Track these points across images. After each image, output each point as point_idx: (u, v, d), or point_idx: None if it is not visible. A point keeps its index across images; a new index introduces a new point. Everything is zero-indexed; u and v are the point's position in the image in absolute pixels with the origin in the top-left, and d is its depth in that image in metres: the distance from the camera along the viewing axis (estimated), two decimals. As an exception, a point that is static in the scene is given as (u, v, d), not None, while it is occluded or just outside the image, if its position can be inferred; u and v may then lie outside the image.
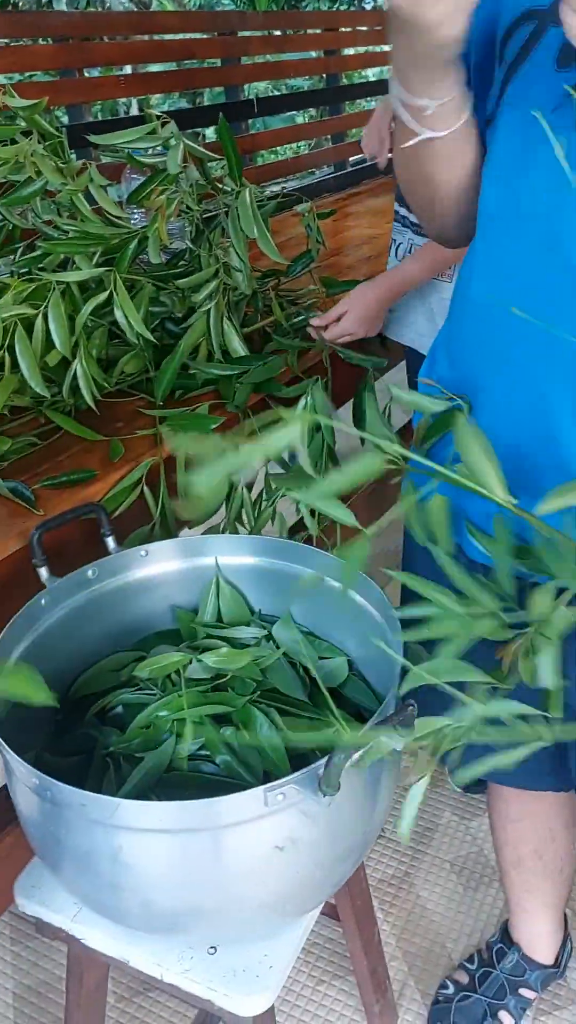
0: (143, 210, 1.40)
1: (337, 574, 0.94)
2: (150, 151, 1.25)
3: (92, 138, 1.25)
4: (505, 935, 1.27)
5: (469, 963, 1.28)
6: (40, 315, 1.11)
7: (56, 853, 0.75)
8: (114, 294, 1.16)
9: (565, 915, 1.27)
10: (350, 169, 3.24)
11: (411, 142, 0.68)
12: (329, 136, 3.10)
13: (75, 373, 1.14)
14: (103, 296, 1.16)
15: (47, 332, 1.10)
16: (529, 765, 0.90)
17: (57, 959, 1.35)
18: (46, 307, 1.11)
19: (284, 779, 0.66)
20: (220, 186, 1.38)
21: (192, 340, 1.21)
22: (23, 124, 1.19)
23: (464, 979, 1.27)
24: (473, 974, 1.26)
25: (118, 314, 1.17)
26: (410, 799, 0.66)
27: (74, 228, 1.23)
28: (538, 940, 1.24)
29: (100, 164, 1.40)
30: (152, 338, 1.19)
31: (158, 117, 1.28)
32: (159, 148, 1.31)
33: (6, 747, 0.71)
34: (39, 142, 1.24)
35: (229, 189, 1.36)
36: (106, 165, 1.65)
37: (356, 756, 0.65)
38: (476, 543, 0.77)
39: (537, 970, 1.24)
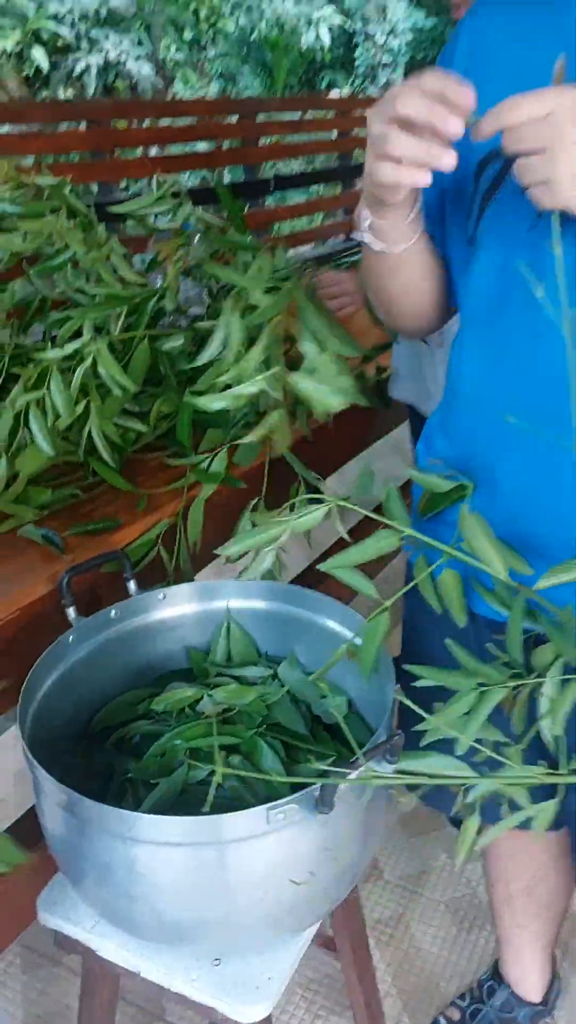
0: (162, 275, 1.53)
1: (340, 618, 1.03)
2: (170, 219, 1.38)
3: (112, 208, 1.38)
4: (496, 973, 1.33)
5: (461, 1000, 1.33)
6: (45, 389, 1.22)
7: (79, 866, 0.83)
8: (97, 358, 1.25)
9: (554, 955, 1.33)
10: (356, 242, 3.42)
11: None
12: (341, 209, 3.30)
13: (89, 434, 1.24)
14: (88, 362, 1.25)
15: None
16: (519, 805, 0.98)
17: (65, 988, 1.41)
18: (49, 381, 1.22)
19: (284, 799, 0.74)
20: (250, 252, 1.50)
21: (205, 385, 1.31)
22: (55, 201, 1.32)
23: (456, 1016, 1.32)
24: (464, 1011, 1.31)
25: (101, 371, 1.26)
26: (464, 835, 0.75)
27: (100, 293, 1.35)
28: (527, 978, 1.29)
29: (126, 237, 1.53)
30: (131, 387, 1.26)
31: (174, 192, 1.41)
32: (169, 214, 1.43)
33: (38, 766, 0.80)
34: (68, 217, 1.38)
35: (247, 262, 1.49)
36: (132, 237, 1.79)
37: (352, 775, 0.74)
38: (487, 602, 0.84)
39: (526, 1007, 1.29)
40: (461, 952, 1.46)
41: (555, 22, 0.79)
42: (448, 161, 0.66)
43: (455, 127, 0.64)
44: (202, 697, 1.00)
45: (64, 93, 6.10)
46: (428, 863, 1.64)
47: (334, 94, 11.49)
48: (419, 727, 0.74)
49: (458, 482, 0.88)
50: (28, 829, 1.09)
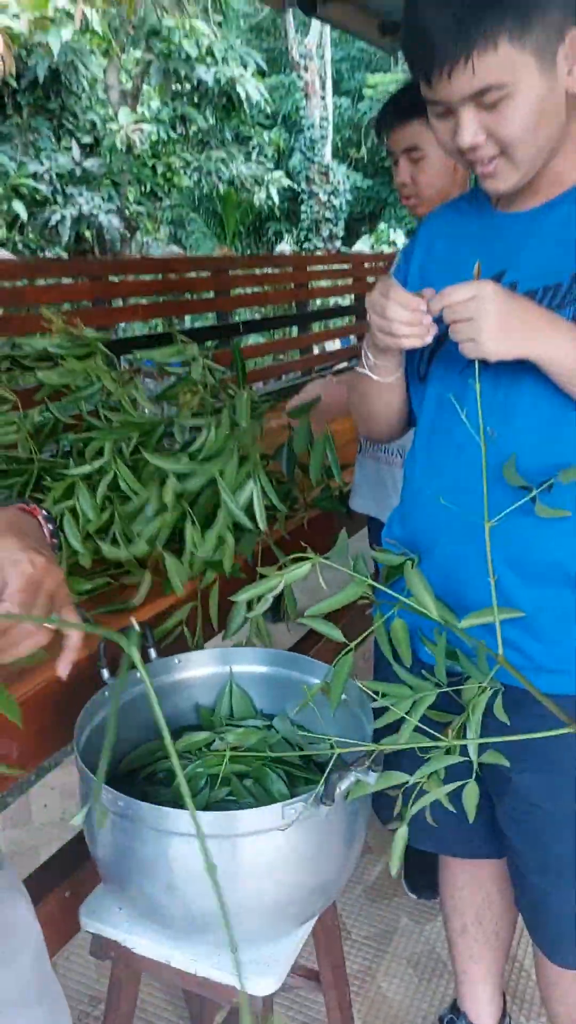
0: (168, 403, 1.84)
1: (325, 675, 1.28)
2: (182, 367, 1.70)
3: (139, 353, 1.69)
4: (454, 1008, 1.50)
5: (425, 1036, 1.50)
6: (75, 500, 1.49)
7: (122, 865, 1.03)
8: (117, 472, 1.53)
9: (504, 994, 1.51)
10: (314, 376, 3.86)
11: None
12: (298, 349, 3.74)
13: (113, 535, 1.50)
14: (110, 476, 1.54)
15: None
16: (468, 836, 1.24)
17: None
18: (77, 493, 1.49)
19: (295, 798, 0.97)
20: (228, 387, 1.82)
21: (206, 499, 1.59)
22: (91, 347, 1.63)
23: (421, 1049, 1.48)
24: (429, 1044, 1.48)
25: (122, 485, 1.54)
26: (396, 841, 0.98)
27: (119, 420, 1.65)
28: (483, 1010, 1.47)
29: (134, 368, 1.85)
30: (142, 490, 1.54)
31: (183, 340, 1.74)
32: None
33: (93, 777, 1.01)
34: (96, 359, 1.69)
35: (232, 392, 1.81)
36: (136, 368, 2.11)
37: (350, 777, 0.97)
38: (426, 649, 1.12)
39: (482, 1037, 1.46)
40: (423, 997, 1.63)
41: (482, 228, 1.13)
42: (431, 336, 0.99)
43: (432, 331, 0.98)
44: (214, 740, 1.22)
45: (38, 241, 6.75)
46: (391, 924, 1.81)
47: (283, 246, 12.51)
48: (377, 722, 0.99)
49: (407, 557, 1.16)
50: (67, 860, 1.29)
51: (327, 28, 13.83)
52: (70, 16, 6.87)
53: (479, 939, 1.43)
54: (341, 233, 14.50)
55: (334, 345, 4.95)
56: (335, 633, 1.11)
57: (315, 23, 13.44)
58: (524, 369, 0.97)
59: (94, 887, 1.16)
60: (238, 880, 1.00)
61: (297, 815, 0.98)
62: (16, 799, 2.18)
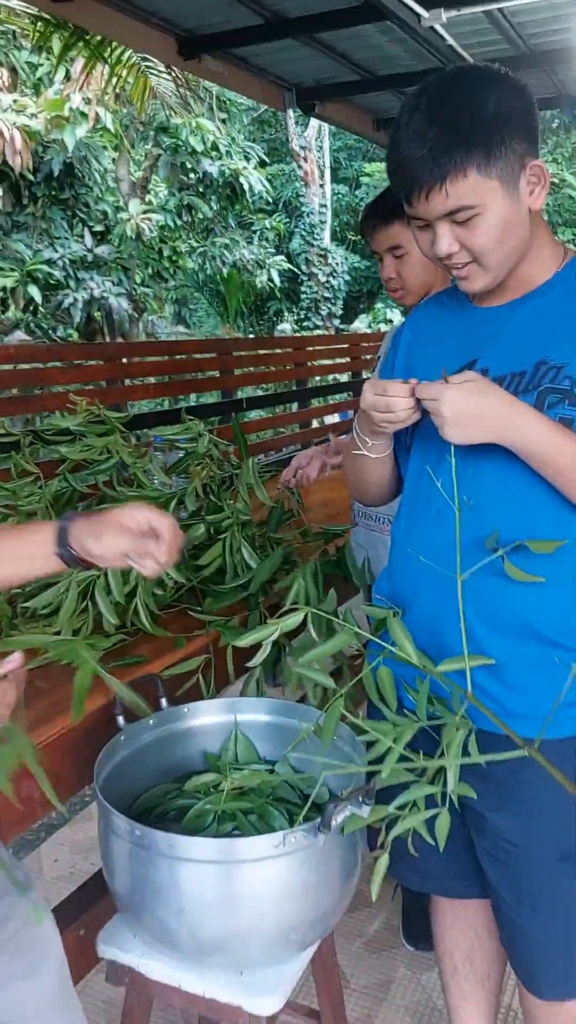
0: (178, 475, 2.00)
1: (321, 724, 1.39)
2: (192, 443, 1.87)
3: (152, 431, 1.86)
4: (449, 1051, 1.57)
5: (421, 1077, 1.56)
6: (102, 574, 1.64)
7: (140, 892, 1.13)
8: None
9: (496, 1034, 1.57)
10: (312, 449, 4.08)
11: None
12: (298, 424, 3.94)
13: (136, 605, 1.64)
14: None
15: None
16: (456, 875, 1.34)
17: None
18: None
19: (295, 828, 1.08)
20: (231, 458, 1.99)
21: (215, 555, 1.73)
22: (109, 425, 1.80)
23: None
24: None
25: None
26: (378, 867, 1.08)
27: (137, 492, 1.80)
28: (475, 1050, 1.54)
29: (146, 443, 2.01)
30: (178, 576, 1.69)
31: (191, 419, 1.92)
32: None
33: (112, 809, 1.12)
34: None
35: (235, 462, 1.97)
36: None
37: (346, 810, 1.08)
38: (409, 696, 1.24)
39: (475, 1076, 1.52)
40: (420, 1044, 1.69)
41: (460, 320, 1.29)
42: (418, 414, 1.15)
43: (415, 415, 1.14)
44: (221, 782, 1.33)
45: (50, 322, 7.13)
46: (389, 975, 1.88)
47: (284, 325, 12.94)
48: (369, 755, 1.10)
49: (391, 609, 1.29)
50: (82, 900, 1.39)
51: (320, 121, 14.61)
52: (84, 116, 7.36)
53: (470, 979, 1.51)
54: (340, 312, 15.03)
55: (333, 419, 5.16)
56: (326, 680, 1.23)
57: (313, 119, 14.21)
58: (490, 447, 1.12)
59: (106, 924, 1.25)
60: (242, 905, 1.10)
61: (297, 843, 1.08)
62: (27, 855, 2.26)
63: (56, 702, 1.39)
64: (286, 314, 14.70)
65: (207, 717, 1.45)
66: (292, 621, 1.22)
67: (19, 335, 5.58)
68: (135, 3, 3.98)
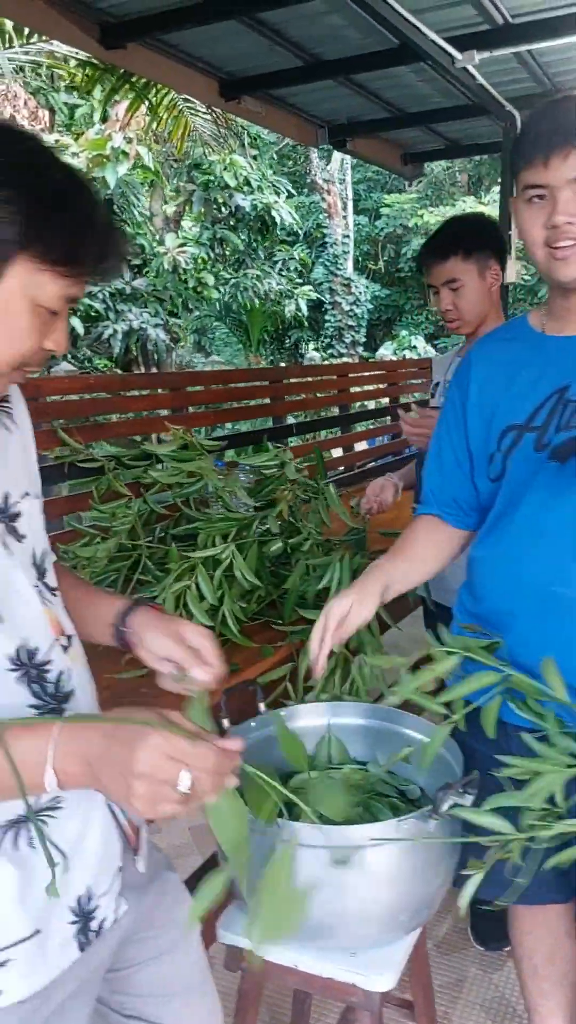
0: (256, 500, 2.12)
1: (413, 726, 1.48)
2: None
3: (239, 459, 1.98)
4: (529, 1045, 1.63)
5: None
6: (193, 581, 1.75)
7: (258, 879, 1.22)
8: (233, 560, 1.80)
9: (574, 1028, 1.64)
10: (355, 471, 4.19)
11: None
12: (341, 448, 4.08)
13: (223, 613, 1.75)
14: (226, 563, 1.80)
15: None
16: (537, 884, 1.41)
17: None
18: (197, 576, 1.75)
19: (409, 814, 1.18)
20: (307, 480, 2.10)
21: (296, 578, 1.84)
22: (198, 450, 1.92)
23: None
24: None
25: (237, 574, 1.81)
26: (467, 885, 1.15)
27: (218, 516, 1.91)
28: (555, 1043, 1.61)
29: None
30: (258, 583, 1.81)
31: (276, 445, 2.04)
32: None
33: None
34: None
35: (314, 483, 2.08)
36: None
37: (450, 798, 1.18)
38: (520, 713, 1.29)
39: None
40: (498, 1040, 1.76)
41: (534, 351, 1.37)
42: None
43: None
44: (324, 779, 1.43)
45: (85, 352, 7.36)
46: (462, 974, 1.95)
47: (312, 353, 13.12)
48: (501, 773, 1.16)
49: (489, 641, 1.35)
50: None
51: (347, 156, 14.90)
52: (125, 154, 7.62)
53: (550, 978, 1.58)
54: (363, 339, 15.23)
55: (360, 446, 5.25)
56: (435, 706, 1.29)
57: (335, 153, 14.50)
58: None
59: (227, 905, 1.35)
60: (358, 888, 1.19)
61: (410, 828, 1.18)
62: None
63: (165, 705, 1.49)
64: (310, 343, 14.92)
65: (303, 720, 1.55)
66: (448, 665, 1.26)
67: (66, 366, 5.75)
68: (182, 49, 4.17)
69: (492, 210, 11.80)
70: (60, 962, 0.91)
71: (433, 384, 2.35)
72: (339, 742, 1.55)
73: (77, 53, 5.37)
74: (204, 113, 6.42)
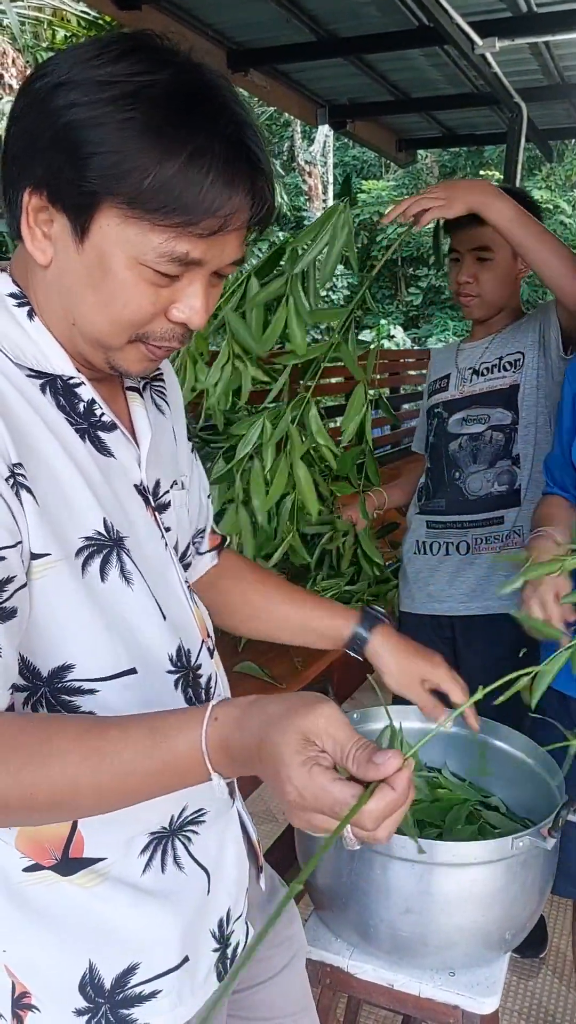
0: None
1: (495, 735, 1.42)
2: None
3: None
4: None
5: None
6: None
7: (351, 893, 1.15)
8: None
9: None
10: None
11: None
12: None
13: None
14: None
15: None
16: None
17: None
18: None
19: (524, 832, 1.11)
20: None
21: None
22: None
23: None
24: None
25: None
26: None
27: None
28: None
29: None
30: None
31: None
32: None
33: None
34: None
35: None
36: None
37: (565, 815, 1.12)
38: None
39: None
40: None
41: None
42: None
43: None
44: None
45: None
46: (498, 981, 1.91)
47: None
48: None
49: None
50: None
51: (330, 138, 14.75)
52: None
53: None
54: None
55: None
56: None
57: (319, 134, 14.34)
58: None
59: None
60: (466, 906, 1.13)
61: (524, 847, 1.11)
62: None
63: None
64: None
65: (375, 723, 1.48)
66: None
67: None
68: (195, 14, 4.03)
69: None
70: (205, 992, 0.83)
71: (440, 376, 1.98)
72: (409, 746, 1.48)
73: (87, 12, 5.15)
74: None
